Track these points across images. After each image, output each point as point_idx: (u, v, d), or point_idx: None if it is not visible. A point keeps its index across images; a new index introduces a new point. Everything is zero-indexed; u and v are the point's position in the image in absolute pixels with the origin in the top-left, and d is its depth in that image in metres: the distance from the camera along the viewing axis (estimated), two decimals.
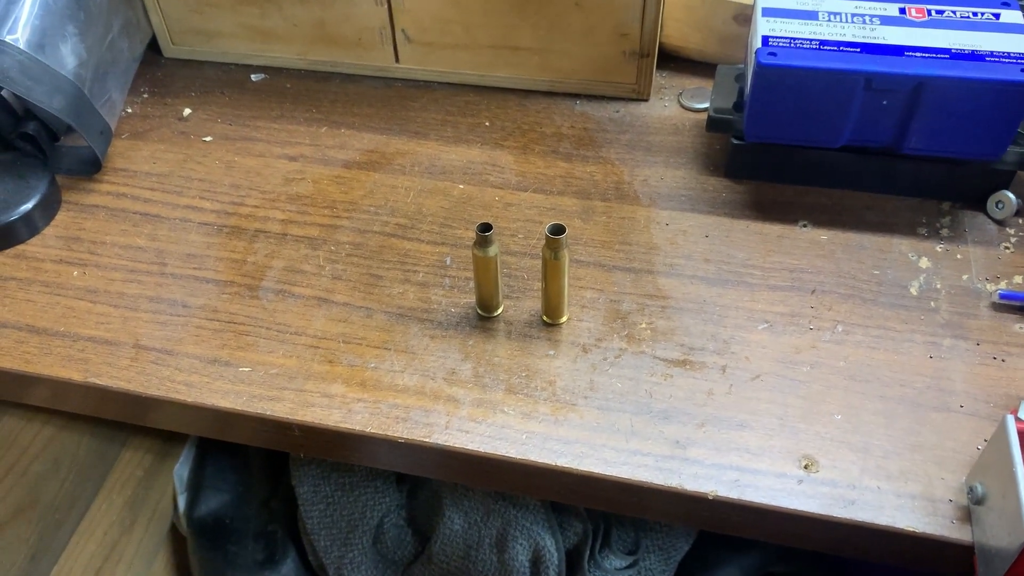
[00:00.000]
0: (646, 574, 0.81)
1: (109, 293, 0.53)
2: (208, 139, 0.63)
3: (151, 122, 0.64)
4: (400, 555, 0.85)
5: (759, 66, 0.50)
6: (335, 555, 0.84)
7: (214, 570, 0.89)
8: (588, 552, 0.79)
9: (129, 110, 0.65)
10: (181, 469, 0.94)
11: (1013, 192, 0.54)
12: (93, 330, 0.51)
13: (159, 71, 0.69)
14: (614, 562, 0.80)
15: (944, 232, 0.54)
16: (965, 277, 0.52)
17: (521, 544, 0.79)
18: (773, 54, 0.50)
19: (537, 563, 0.78)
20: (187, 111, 0.65)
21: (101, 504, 0.84)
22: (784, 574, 0.84)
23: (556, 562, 0.78)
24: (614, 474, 0.44)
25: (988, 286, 0.51)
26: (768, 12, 0.53)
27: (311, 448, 0.48)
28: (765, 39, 0.51)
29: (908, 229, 0.54)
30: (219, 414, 0.47)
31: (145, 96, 0.67)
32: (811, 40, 0.51)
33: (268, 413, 0.47)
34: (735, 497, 0.43)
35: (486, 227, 0.46)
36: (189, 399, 0.47)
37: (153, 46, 0.69)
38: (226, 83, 0.67)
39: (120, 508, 0.87)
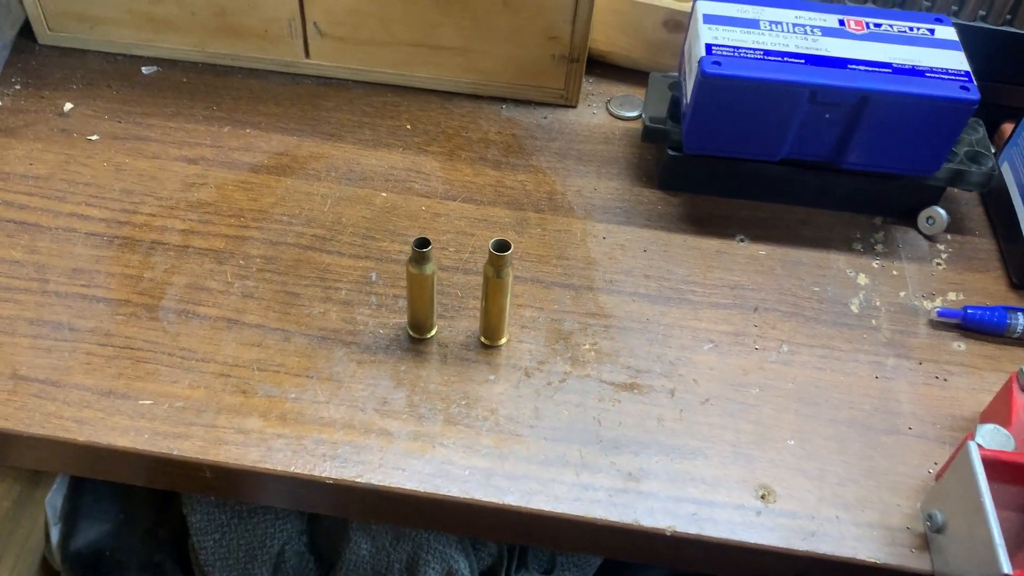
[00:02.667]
0: None
1: None
2: (94, 138, 0.56)
3: (25, 117, 0.57)
4: None
5: (704, 75, 0.48)
6: None
7: None
8: (503, 573, 0.76)
9: None
10: (54, 498, 0.85)
11: (942, 207, 0.54)
12: None
13: (32, 59, 0.61)
14: None
15: (879, 248, 0.54)
16: (902, 294, 0.51)
17: (433, 568, 0.75)
18: (718, 63, 0.48)
19: None
20: (68, 106, 0.58)
21: None
22: None
23: None
24: (566, 511, 0.41)
25: (925, 303, 0.51)
26: (709, 19, 0.51)
27: (224, 491, 0.43)
28: (708, 47, 0.49)
29: (844, 244, 0.54)
30: (116, 454, 0.42)
31: (17, 87, 0.59)
32: (755, 49, 0.49)
33: (175, 453, 0.41)
34: (694, 532, 0.40)
35: (423, 242, 0.42)
36: (81, 438, 0.41)
37: (25, 32, 0.61)
38: (113, 75, 0.60)
39: None
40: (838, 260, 0.53)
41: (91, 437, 0.41)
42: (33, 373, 0.44)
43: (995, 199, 0.55)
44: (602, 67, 0.64)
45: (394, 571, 0.76)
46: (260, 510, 0.77)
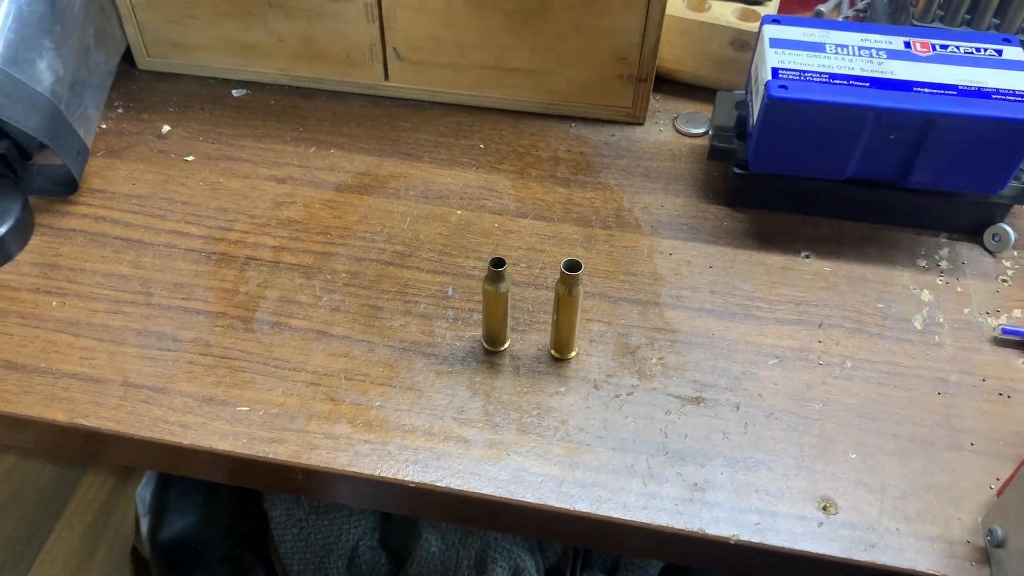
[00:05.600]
0: None
1: (92, 325, 0.50)
2: (190, 158, 0.60)
3: (128, 139, 0.61)
4: None
5: (770, 99, 0.50)
6: None
7: None
8: (568, 572, 0.78)
9: (103, 125, 0.62)
10: (144, 491, 0.90)
11: (1009, 224, 0.55)
12: (77, 366, 0.48)
13: (133, 84, 0.66)
14: None
15: (943, 264, 0.55)
16: (966, 311, 0.52)
17: (501, 566, 0.77)
18: (784, 87, 0.50)
19: None
20: (166, 128, 0.62)
21: (62, 531, 0.80)
22: None
23: None
24: (634, 519, 0.43)
25: (989, 320, 0.52)
26: (776, 43, 0.53)
27: (312, 491, 0.46)
28: (775, 71, 0.51)
29: (908, 261, 0.55)
30: (216, 457, 0.45)
31: (120, 111, 0.63)
32: (820, 73, 0.51)
33: (271, 456, 0.45)
34: (757, 541, 0.42)
35: (499, 262, 0.45)
36: (185, 442, 0.45)
37: (126, 58, 0.66)
38: (206, 98, 0.65)
39: (81, 534, 0.83)
40: (902, 277, 0.54)
41: (194, 441, 0.45)
42: (141, 380, 0.48)
43: None
44: (669, 84, 0.66)
45: (463, 568, 0.78)
46: (336, 508, 0.81)
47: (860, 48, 0.52)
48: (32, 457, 0.73)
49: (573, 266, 0.45)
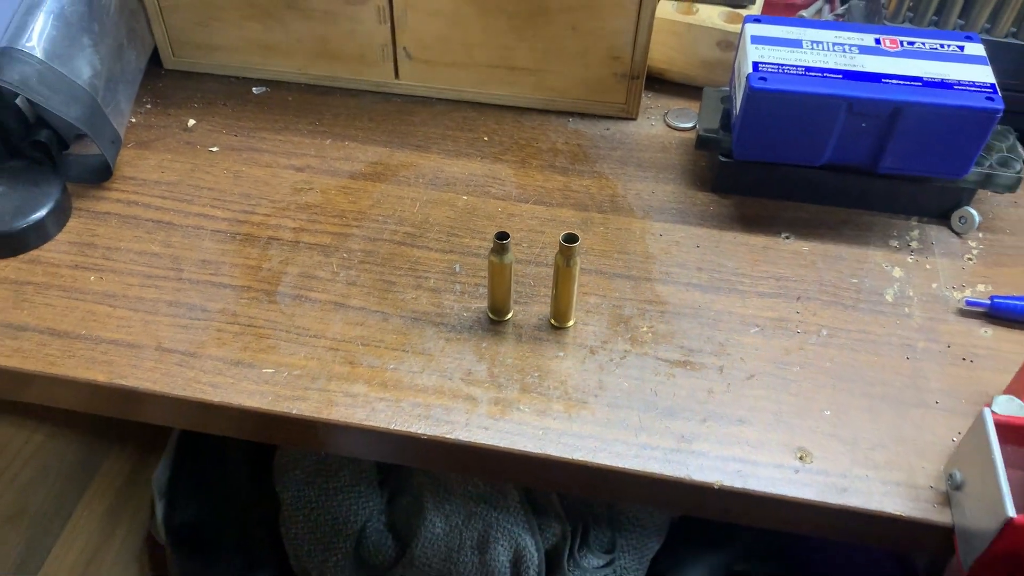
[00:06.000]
0: (622, 572, 0.84)
1: (128, 297, 0.54)
2: (214, 149, 0.65)
3: (156, 132, 0.66)
4: (381, 559, 0.87)
5: (751, 89, 0.54)
6: (318, 560, 0.85)
7: None
8: (567, 552, 0.82)
9: (133, 120, 0.67)
10: (159, 477, 0.94)
11: (974, 208, 0.59)
12: (115, 333, 0.52)
13: (159, 82, 0.70)
14: (592, 561, 0.83)
15: (914, 244, 0.59)
16: (934, 286, 0.56)
17: (502, 545, 0.81)
18: (763, 79, 0.54)
19: (518, 563, 0.81)
20: (191, 122, 0.67)
21: (83, 512, 0.84)
22: (748, 572, 0.88)
23: (536, 562, 0.81)
24: (626, 466, 0.47)
25: (955, 294, 0.56)
26: (757, 40, 0.57)
27: (332, 445, 0.50)
28: (755, 64, 0.55)
29: (881, 242, 0.59)
30: (245, 413, 0.49)
31: (148, 106, 0.68)
32: (797, 66, 0.55)
33: (295, 412, 0.49)
34: (738, 486, 0.46)
35: (503, 235, 0.49)
36: (216, 399, 0.49)
37: (152, 59, 0.70)
38: (228, 95, 0.69)
39: (100, 516, 0.87)
40: (875, 255, 0.58)
41: (224, 398, 0.49)
42: (174, 346, 0.52)
43: None
44: (660, 83, 0.71)
45: (466, 548, 0.82)
46: (344, 489, 0.85)
47: (834, 44, 0.57)
48: (58, 438, 0.77)
49: (571, 238, 0.49)
